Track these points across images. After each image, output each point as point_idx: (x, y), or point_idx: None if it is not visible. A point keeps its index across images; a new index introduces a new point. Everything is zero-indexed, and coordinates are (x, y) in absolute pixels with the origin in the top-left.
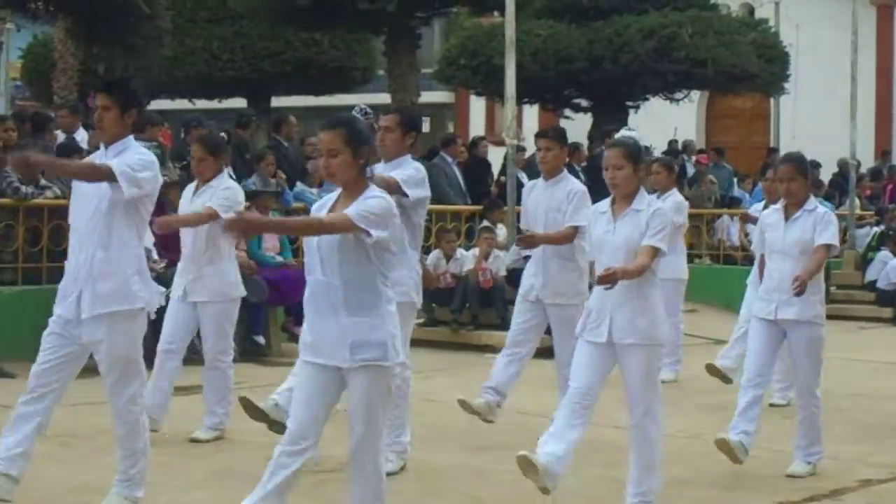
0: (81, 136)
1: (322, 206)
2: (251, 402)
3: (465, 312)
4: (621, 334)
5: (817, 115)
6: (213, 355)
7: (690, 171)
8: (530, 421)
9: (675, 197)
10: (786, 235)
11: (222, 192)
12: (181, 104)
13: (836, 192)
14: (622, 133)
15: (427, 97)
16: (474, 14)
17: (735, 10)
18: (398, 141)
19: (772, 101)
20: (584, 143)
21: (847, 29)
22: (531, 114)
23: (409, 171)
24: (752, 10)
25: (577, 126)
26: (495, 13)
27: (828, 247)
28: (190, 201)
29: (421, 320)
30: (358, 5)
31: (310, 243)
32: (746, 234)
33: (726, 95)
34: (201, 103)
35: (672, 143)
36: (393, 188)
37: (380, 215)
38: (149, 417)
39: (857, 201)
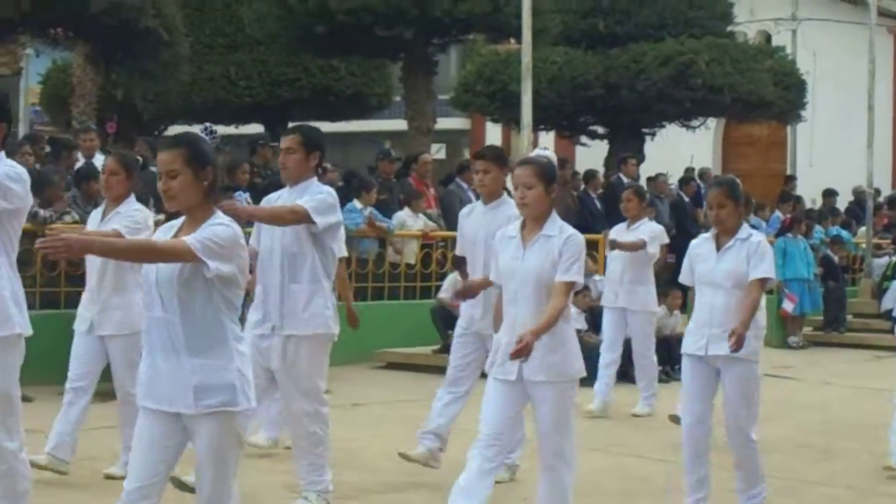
0: (99, 160)
1: (168, 230)
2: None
3: None
4: (532, 371)
5: (834, 143)
6: (125, 390)
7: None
8: None
9: (649, 225)
10: (717, 266)
11: (131, 214)
12: (198, 130)
13: (852, 220)
14: (536, 152)
15: (443, 123)
16: (491, 41)
17: (752, 38)
18: (301, 163)
19: (788, 128)
20: (601, 170)
21: (864, 56)
22: (547, 141)
23: (318, 196)
24: (769, 38)
25: (594, 153)
26: (512, 40)
27: (763, 281)
28: (98, 227)
29: (436, 346)
30: (375, 32)
31: (147, 275)
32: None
33: (743, 123)
34: (218, 129)
35: (688, 170)
36: (256, 216)
37: (224, 245)
38: (54, 457)
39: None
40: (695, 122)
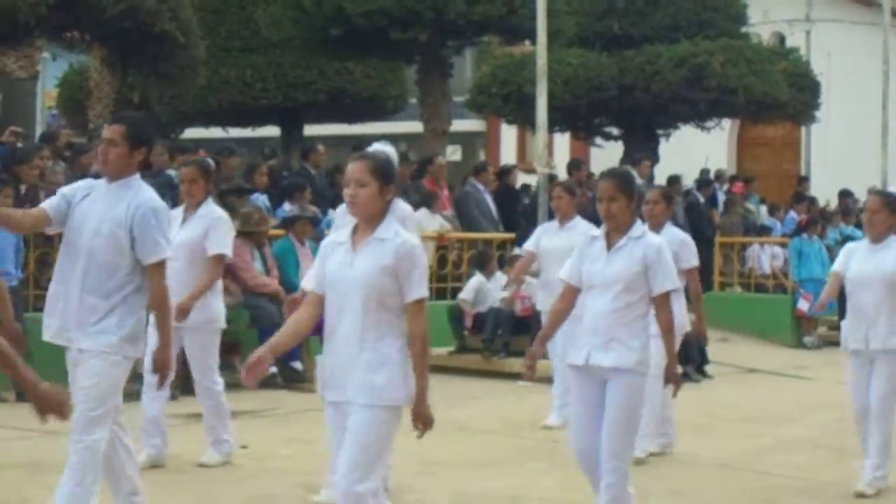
0: None
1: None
2: None
3: (496, 340)
4: (354, 392)
5: (848, 144)
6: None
7: (721, 199)
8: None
9: (583, 225)
10: (606, 268)
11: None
12: (215, 132)
13: None
14: (375, 146)
15: (459, 125)
16: (506, 43)
17: (766, 39)
18: (123, 157)
19: (803, 129)
20: None
21: (878, 57)
22: (562, 142)
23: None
24: (782, 39)
25: (608, 154)
26: (527, 42)
27: (668, 295)
28: (178, 231)
29: (451, 348)
30: (390, 35)
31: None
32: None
33: (757, 124)
34: (234, 131)
35: (703, 171)
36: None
37: None
38: None
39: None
40: (709, 124)
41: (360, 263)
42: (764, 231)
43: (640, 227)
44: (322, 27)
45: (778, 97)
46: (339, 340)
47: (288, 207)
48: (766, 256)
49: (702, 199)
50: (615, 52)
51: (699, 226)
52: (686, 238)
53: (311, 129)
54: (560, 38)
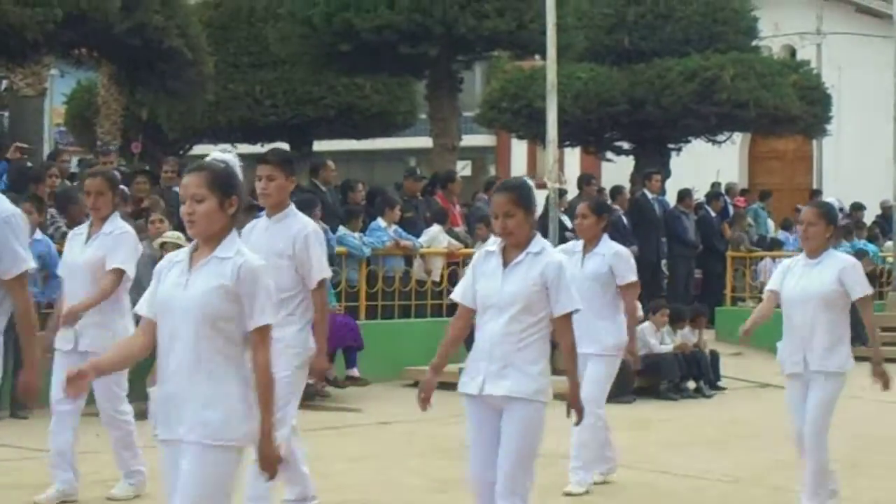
0: None
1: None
2: None
3: None
4: (188, 430)
5: (860, 157)
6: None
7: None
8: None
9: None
10: (503, 287)
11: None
12: (223, 148)
13: (878, 233)
14: (213, 156)
15: (469, 140)
16: (515, 58)
17: (776, 52)
18: None
19: (814, 142)
20: (627, 186)
21: (889, 70)
22: (573, 157)
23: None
24: (793, 52)
25: (619, 169)
26: (536, 57)
27: (570, 317)
28: (82, 249)
29: (461, 365)
30: (400, 50)
31: None
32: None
33: (768, 137)
34: (243, 147)
35: (714, 185)
36: None
37: None
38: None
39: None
40: (720, 137)
41: (195, 284)
42: (775, 245)
43: (539, 242)
44: (331, 43)
45: (789, 110)
46: (170, 371)
47: None
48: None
49: (713, 213)
50: (625, 66)
51: (711, 240)
52: (622, 251)
53: (320, 145)
54: (570, 53)
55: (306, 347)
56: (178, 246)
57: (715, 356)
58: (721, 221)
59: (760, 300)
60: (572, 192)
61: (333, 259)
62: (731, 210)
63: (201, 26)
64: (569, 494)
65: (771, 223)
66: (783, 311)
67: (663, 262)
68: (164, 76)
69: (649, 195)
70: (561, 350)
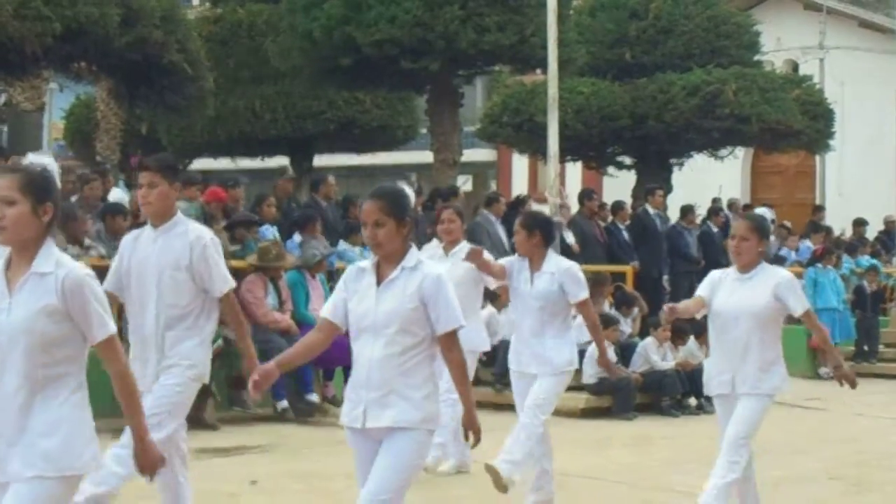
0: (114, 194)
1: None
2: None
3: (507, 373)
4: (22, 466)
5: (863, 172)
6: None
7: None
8: (571, 482)
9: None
10: (378, 306)
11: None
12: (223, 163)
13: (881, 249)
14: (30, 158)
15: (470, 155)
16: (517, 72)
17: (779, 67)
18: None
19: (817, 157)
20: (628, 201)
21: (892, 85)
22: (574, 172)
23: None
24: (796, 67)
25: (621, 184)
26: (538, 71)
27: (454, 334)
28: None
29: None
30: (401, 64)
31: None
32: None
33: (771, 152)
34: (243, 162)
35: (715, 200)
36: None
37: None
38: None
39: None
40: (723, 152)
41: (17, 307)
42: (777, 261)
43: (414, 256)
44: (331, 57)
45: (791, 125)
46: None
47: (298, 239)
48: None
49: (715, 229)
50: (627, 80)
51: (713, 256)
52: (572, 268)
53: (320, 160)
54: (571, 67)
55: (203, 363)
56: None
57: None
58: (723, 237)
59: None
60: (575, 207)
61: (334, 274)
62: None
63: (201, 41)
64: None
65: (773, 238)
66: (711, 327)
67: (665, 277)
68: (164, 91)
69: (651, 211)
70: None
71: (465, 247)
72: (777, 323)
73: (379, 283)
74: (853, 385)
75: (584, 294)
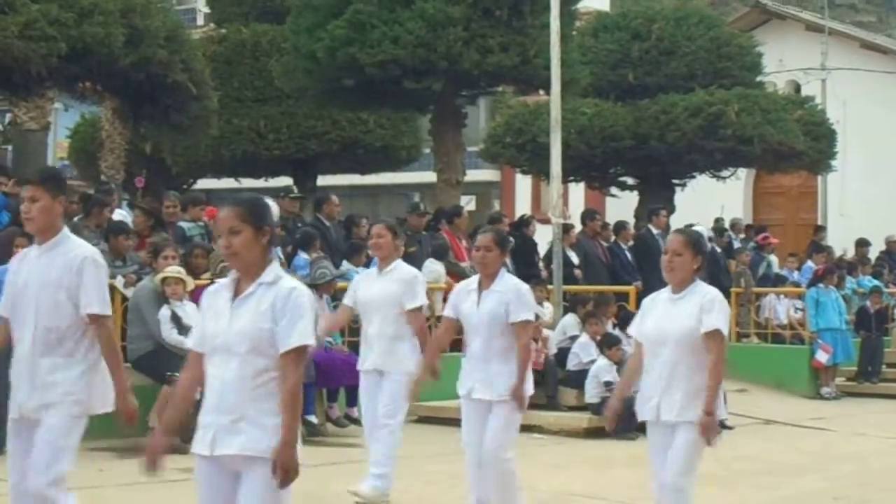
0: (119, 214)
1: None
2: None
3: None
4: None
5: (865, 192)
6: None
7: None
8: (575, 502)
9: (403, 269)
10: (230, 325)
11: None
12: (227, 183)
13: (882, 269)
14: None
15: (473, 175)
16: (520, 93)
17: (781, 88)
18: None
19: (819, 178)
20: (631, 221)
21: (894, 106)
22: (577, 192)
23: None
24: (798, 88)
25: (624, 204)
26: (541, 92)
27: (296, 354)
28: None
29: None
30: (404, 85)
31: None
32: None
33: (773, 173)
34: (247, 182)
35: (718, 220)
36: None
37: None
38: None
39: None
40: (725, 173)
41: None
42: (779, 281)
43: (274, 271)
44: (335, 77)
45: (794, 146)
46: None
47: (305, 257)
48: (781, 307)
49: (718, 249)
50: (630, 101)
51: (716, 276)
52: (521, 288)
53: (324, 180)
54: (574, 88)
55: (89, 394)
56: (180, 280)
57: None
58: (726, 257)
59: (764, 336)
60: (577, 227)
61: (337, 294)
62: (735, 245)
63: (205, 61)
64: None
65: (775, 259)
66: (645, 350)
67: None
68: (168, 110)
69: (654, 231)
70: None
71: (399, 265)
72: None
73: (234, 298)
74: (709, 442)
75: (526, 315)
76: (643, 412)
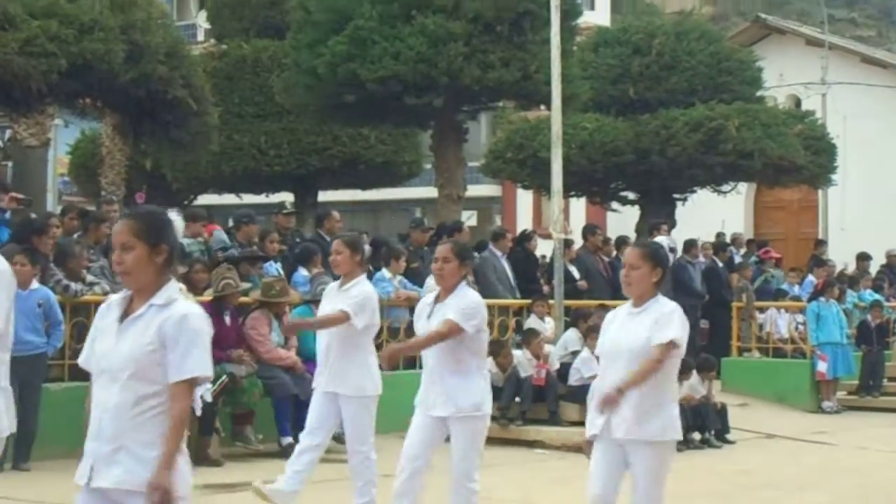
0: None
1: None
2: None
3: (513, 407)
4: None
5: (866, 207)
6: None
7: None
8: None
9: (361, 286)
10: (117, 346)
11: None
12: (228, 199)
13: (883, 283)
14: None
15: (474, 190)
16: (521, 108)
17: (782, 102)
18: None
19: (820, 192)
20: (632, 235)
21: (894, 120)
22: (578, 207)
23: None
24: (798, 102)
25: (625, 219)
26: (542, 107)
27: (189, 385)
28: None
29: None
30: (405, 100)
31: None
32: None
33: (774, 187)
34: (248, 198)
35: (719, 235)
36: None
37: None
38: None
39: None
40: (726, 187)
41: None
42: (780, 295)
43: (168, 292)
44: (336, 93)
45: (794, 160)
46: None
47: (304, 273)
48: (783, 321)
49: (720, 264)
50: (630, 116)
51: (718, 291)
52: (473, 301)
53: (325, 196)
54: (575, 103)
55: None
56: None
57: (724, 408)
58: (728, 272)
59: (766, 350)
60: (578, 242)
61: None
62: (736, 260)
63: (206, 76)
64: None
65: (781, 273)
66: (600, 366)
67: None
68: (169, 126)
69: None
70: None
71: (358, 282)
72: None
73: (123, 318)
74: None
75: (469, 328)
76: (592, 426)
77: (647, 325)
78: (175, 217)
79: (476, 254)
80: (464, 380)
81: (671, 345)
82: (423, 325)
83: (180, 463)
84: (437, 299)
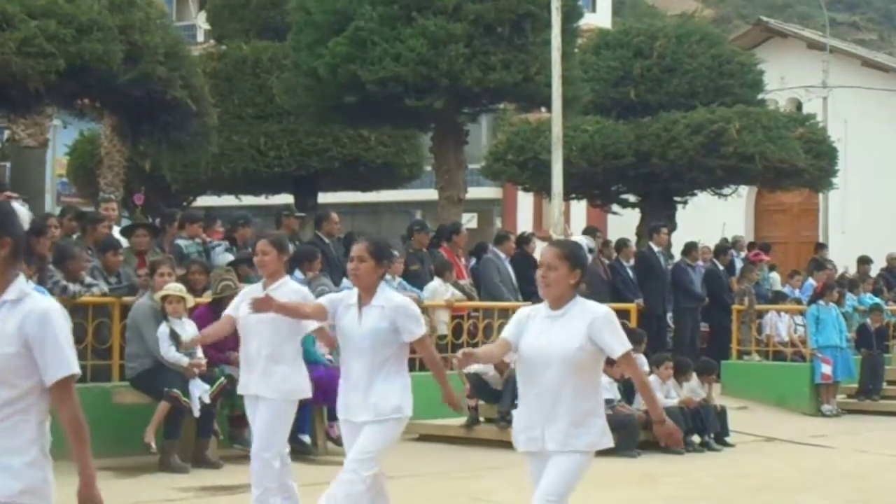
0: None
1: None
2: None
3: (511, 409)
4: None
5: (866, 210)
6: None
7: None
8: None
9: (290, 286)
10: None
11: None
12: (227, 200)
13: (883, 286)
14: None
15: (475, 193)
16: (522, 110)
17: (783, 106)
18: None
19: (820, 195)
20: (633, 238)
21: (894, 123)
22: (579, 209)
23: None
24: (799, 106)
25: (626, 222)
26: (543, 109)
27: (68, 385)
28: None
29: (466, 418)
30: (405, 102)
31: None
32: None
33: (774, 190)
34: (248, 199)
35: (722, 239)
36: None
37: None
38: None
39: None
40: (726, 190)
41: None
42: (779, 298)
43: (19, 286)
44: (336, 94)
45: (795, 163)
46: None
47: (301, 277)
48: (783, 324)
49: (721, 267)
50: (631, 119)
51: (719, 294)
52: (404, 304)
53: (325, 197)
54: (576, 106)
55: None
56: (181, 298)
57: (724, 411)
58: (729, 275)
59: (766, 353)
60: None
61: None
62: (736, 264)
63: (205, 77)
64: None
65: (777, 276)
66: (519, 372)
67: (668, 315)
68: (168, 127)
69: (655, 248)
70: None
71: (284, 283)
72: (595, 368)
73: None
74: (678, 444)
75: (421, 331)
76: (521, 442)
77: (575, 329)
78: (20, 207)
79: (473, 258)
80: (390, 384)
81: (629, 355)
82: (351, 325)
83: (47, 471)
84: (361, 300)
